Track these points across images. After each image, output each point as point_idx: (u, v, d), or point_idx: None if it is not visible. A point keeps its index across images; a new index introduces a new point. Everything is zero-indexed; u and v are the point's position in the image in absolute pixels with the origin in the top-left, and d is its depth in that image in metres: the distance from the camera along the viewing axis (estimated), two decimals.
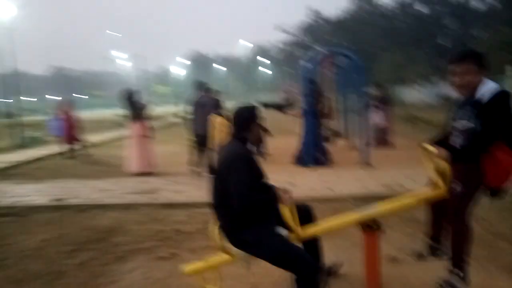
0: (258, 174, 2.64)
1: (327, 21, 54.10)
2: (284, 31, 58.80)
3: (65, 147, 10.51)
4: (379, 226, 2.49)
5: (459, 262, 2.47)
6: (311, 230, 2.56)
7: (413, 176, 6.07)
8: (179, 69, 67.11)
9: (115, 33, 69.33)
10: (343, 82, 10.34)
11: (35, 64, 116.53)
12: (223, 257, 2.63)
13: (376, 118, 9.86)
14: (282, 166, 7.67)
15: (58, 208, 5.57)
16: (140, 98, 7.81)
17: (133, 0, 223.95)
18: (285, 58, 60.51)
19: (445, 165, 2.46)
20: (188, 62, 75.61)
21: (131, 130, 7.57)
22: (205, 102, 7.08)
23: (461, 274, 2.45)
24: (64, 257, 3.90)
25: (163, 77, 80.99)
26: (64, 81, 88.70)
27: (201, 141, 7.02)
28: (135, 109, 7.60)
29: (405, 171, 6.52)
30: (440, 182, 2.49)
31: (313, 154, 7.63)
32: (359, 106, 7.84)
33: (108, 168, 8.50)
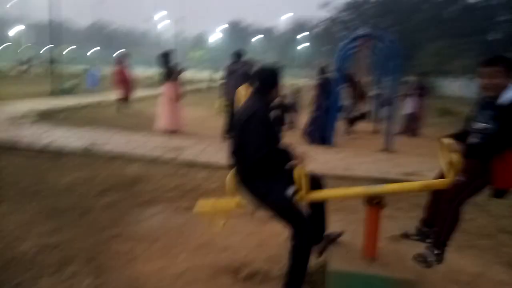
0: (274, 134, 2.76)
1: (374, 2, 52.28)
2: (329, 8, 57.22)
3: (117, 97, 11.05)
4: (382, 203, 2.64)
5: (439, 244, 2.58)
6: (317, 194, 2.74)
7: (432, 165, 6.08)
8: (217, 36, 67.08)
9: None
10: (379, 65, 10.22)
11: (80, 17, 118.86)
12: (232, 201, 2.87)
13: (410, 106, 9.78)
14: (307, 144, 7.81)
15: (91, 153, 5.98)
16: (175, 60, 8.06)
17: None
18: (326, 35, 59.17)
19: (457, 159, 2.57)
20: (227, 30, 75.27)
21: (164, 89, 7.87)
22: (236, 69, 7.24)
23: (438, 252, 2.57)
24: (93, 196, 4.27)
25: (201, 42, 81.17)
26: (105, 36, 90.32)
27: (230, 107, 7.23)
28: (169, 70, 7.87)
29: (426, 160, 6.53)
30: (449, 174, 2.60)
31: (320, 132, 7.67)
32: (391, 91, 7.79)
33: (140, 123, 8.89)
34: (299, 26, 74.18)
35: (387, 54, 7.88)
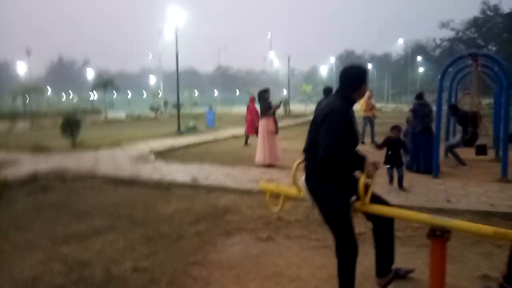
0: (351, 136, 2.70)
1: (504, 15, 47.17)
2: (450, 27, 53.44)
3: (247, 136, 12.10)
4: (447, 237, 2.44)
5: None
6: (377, 208, 2.67)
7: None
8: (327, 68, 67.58)
9: (273, 34, 73.53)
10: (495, 86, 9.23)
11: (206, 63, 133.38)
12: (292, 189, 3.09)
13: None
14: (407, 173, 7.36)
15: (194, 186, 6.60)
16: (270, 96, 8.54)
17: (292, 2, 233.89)
18: (447, 56, 55.02)
19: None
20: (340, 60, 75.30)
21: (261, 124, 8.33)
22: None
23: None
24: (187, 225, 4.73)
25: (311, 76, 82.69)
26: (227, 79, 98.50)
27: None
28: (266, 105, 8.33)
29: None
30: None
31: (420, 159, 7.22)
32: (503, 115, 6.96)
33: (240, 157, 9.47)
34: (416, 50, 70.42)
35: (496, 75, 7.13)
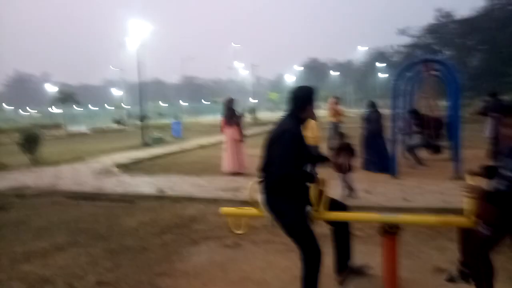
0: (303, 153, 2.84)
1: (456, 22, 49.65)
2: (407, 34, 55.58)
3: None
4: (397, 232, 2.58)
5: None
6: (331, 214, 2.80)
7: None
8: (293, 76, 68.63)
9: (238, 44, 73.93)
10: (447, 89, 9.74)
11: (170, 74, 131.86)
12: (253, 210, 3.14)
13: (489, 128, 9.04)
14: (368, 174, 7.63)
15: (159, 198, 6.54)
16: (236, 105, 8.62)
17: (255, 12, 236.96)
18: (406, 62, 57.08)
19: (472, 204, 2.53)
20: (304, 69, 76.67)
21: (226, 134, 8.38)
22: None
23: None
24: (152, 237, 4.69)
25: (278, 84, 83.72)
26: (194, 89, 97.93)
27: None
28: (231, 115, 8.40)
29: None
30: (470, 212, 2.51)
31: (376, 160, 7.68)
32: (453, 116, 7.38)
33: (207, 167, 9.46)
34: (377, 56, 72.84)
35: (446, 78, 7.56)
